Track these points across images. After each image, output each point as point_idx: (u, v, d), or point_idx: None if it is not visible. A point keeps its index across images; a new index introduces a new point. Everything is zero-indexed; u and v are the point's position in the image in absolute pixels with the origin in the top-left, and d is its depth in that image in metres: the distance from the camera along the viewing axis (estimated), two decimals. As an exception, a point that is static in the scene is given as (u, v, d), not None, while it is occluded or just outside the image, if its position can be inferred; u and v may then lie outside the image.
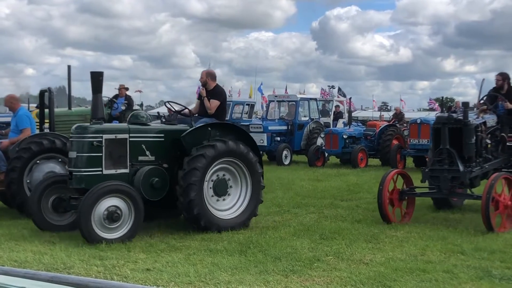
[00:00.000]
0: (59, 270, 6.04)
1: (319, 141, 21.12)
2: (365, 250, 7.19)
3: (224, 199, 8.42)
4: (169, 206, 8.35)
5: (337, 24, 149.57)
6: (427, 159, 13.12)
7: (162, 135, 8.33)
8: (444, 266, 6.40)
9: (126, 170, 7.91)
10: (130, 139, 7.99)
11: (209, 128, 8.39)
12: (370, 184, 13.61)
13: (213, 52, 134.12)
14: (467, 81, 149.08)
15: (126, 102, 15.90)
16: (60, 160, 9.35)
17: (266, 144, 20.75)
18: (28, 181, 9.16)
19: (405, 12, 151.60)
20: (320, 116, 23.36)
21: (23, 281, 1.90)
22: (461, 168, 8.75)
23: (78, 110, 13.42)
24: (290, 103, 22.71)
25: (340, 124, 24.83)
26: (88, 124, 8.04)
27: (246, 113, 23.04)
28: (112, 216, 7.34)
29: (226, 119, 10.01)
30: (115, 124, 8.51)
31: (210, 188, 8.24)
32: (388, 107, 76.50)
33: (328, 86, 34.98)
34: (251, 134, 20.85)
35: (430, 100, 54.93)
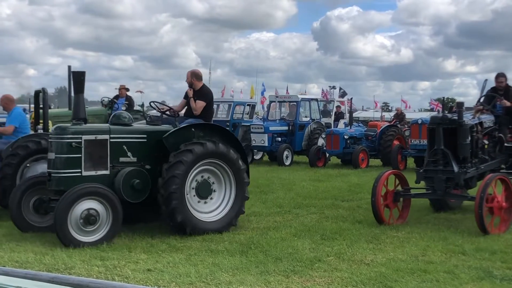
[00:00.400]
0: (60, 271, 6.04)
1: (320, 141, 21.13)
2: (366, 250, 7.18)
3: (208, 201, 8.29)
4: (154, 208, 8.13)
5: (338, 25, 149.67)
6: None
7: (145, 136, 8.19)
8: (445, 267, 6.40)
9: (107, 172, 7.77)
10: (111, 140, 7.85)
11: (193, 129, 8.27)
12: (371, 184, 13.44)
13: (214, 53, 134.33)
14: (468, 81, 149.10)
15: (126, 102, 15.90)
16: None
17: (267, 145, 20.77)
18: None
19: (406, 13, 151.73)
20: (321, 116, 23.37)
21: (24, 281, 1.90)
22: (455, 169, 8.68)
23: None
24: (291, 103, 22.72)
25: (341, 124, 24.85)
26: (68, 124, 7.91)
27: (247, 114, 23.03)
28: (89, 219, 7.19)
29: (214, 119, 9.97)
30: (95, 125, 8.33)
31: (193, 192, 8.11)
32: (389, 108, 76.49)
33: (329, 86, 35.10)
34: (252, 134, 21.16)
35: (431, 100, 54.91)
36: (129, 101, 16.24)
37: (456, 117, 8.81)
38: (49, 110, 12.42)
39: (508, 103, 9.96)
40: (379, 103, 62.65)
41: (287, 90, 45.88)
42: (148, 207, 8.16)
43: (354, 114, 32.54)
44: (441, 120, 8.88)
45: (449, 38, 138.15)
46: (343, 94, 33.00)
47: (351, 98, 26.88)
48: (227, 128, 9.23)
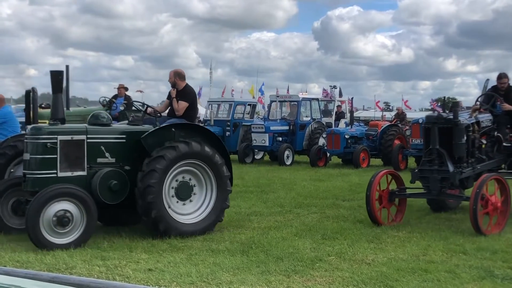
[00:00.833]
0: (61, 271, 6.04)
1: (321, 141, 21.12)
2: (367, 250, 7.18)
3: (187, 203, 8.10)
4: (135, 210, 7.92)
5: (339, 24, 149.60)
6: None
7: (124, 136, 8.04)
8: (446, 266, 6.40)
9: (84, 173, 7.62)
10: (88, 140, 7.69)
11: (173, 129, 8.09)
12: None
13: (215, 53, 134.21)
14: (469, 81, 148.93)
15: (125, 102, 15.83)
16: None
17: (268, 144, 20.76)
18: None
19: (407, 12, 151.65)
20: (322, 116, 23.35)
21: (24, 281, 1.89)
22: (451, 168, 8.60)
23: (76, 111, 13.40)
24: (292, 103, 22.71)
25: (342, 124, 24.84)
26: (45, 124, 7.80)
27: (248, 113, 23.03)
28: (62, 221, 7.04)
29: (198, 120, 9.87)
30: (72, 125, 8.14)
31: (173, 191, 7.94)
32: (390, 107, 76.46)
33: (330, 86, 35.04)
34: (253, 134, 21.17)
35: (431, 100, 54.91)
36: (128, 101, 16.16)
37: (451, 117, 8.74)
38: (45, 110, 12.42)
39: (510, 107, 9.86)
40: (380, 103, 62.62)
41: (287, 90, 45.93)
42: (129, 209, 8.00)
43: (355, 114, 32.53)
44: (436, 119, 8.81)
45: (450, 37, 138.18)
46: (339, 93, 33.10)
47: (352, 98, 26.88)
48: (209, 129, 9.00)
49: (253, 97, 43.24)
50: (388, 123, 23.01)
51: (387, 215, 9.02)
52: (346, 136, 20.06)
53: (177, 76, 8.96)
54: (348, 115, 24.21)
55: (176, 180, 7.99)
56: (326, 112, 25.79)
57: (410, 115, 32.94)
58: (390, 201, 9.10)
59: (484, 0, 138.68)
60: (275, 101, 23.48)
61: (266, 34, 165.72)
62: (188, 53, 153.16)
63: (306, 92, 42.28)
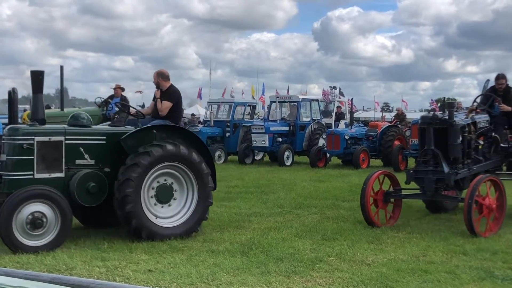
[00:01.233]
0: (61, 271, 6.04)
1: (321, 142, 21.13)
2: (367, 251, 7.18)
3: (168, 206, 7.93)
4: (115, 212, 7.77)
5: (339, 25, 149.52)
6: None
7: (104, 137, 7.87)
8: (446, 267, 6.40)
9: (61, 174, 7.48)
10: (66, 141, 7.55)
11: (154, 131, 7.94)
12: (372, 184, 13.59)
13: (215, 53, 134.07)
14: (469, 81, 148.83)
15: (121, 102, 15.71)
16: None
17: (268, 145, 20.77)
18: None
19: (407, 13, 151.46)
20: (322, 117, 23.37)
21: (24, 282, 1.89)
22: (445, 169, 8.54)
23: (70, 111, 13.37)
24: (292, 104, 22.72)
25: (341, 125, 24.85)
26: (22, 125, 7.69)
27: (248, 114, 23.04)
28: (35, 223, 6.90)
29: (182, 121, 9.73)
30: (50, 126, 7.93)
31: (152, 195, 7.79)
32: (390, 108, 76.47)
33: (330, 87, 35.06)
34: (253, 135, 21.18)
35: (431, 101, 54.92)
36: (124, 101, 16.06)
37: (446, 117, 8.68)
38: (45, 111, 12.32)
39: (507, 108, 9.79)
40: (380, 104, 62.64)
41: (287, 91, 45.95)
42: (109, 211, 7.84)
43: (355, 115, 32.54)
44: (431, 120, 8.75)
45: (449, 38, 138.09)
46: (340, 94, 33.07)
47: (352, 99, 26.89)
48: (191, 131, 8.83)
49: (253, 98, 43.30)
50: (388, 124, 23.02)
51: (382, 216, 8.96)
52: (346, 137, 20.08)
53: (160, 77, 8.83)
54: (348, 116, 24.22)
55: (155, 185, 7.81)
56: (326, 113, 25.81)
57: (410, 115, 32.94)
58: (385, 202, 9.04)
59: (484, 1, 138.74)
60: (275, 102, 23.49)
61: (266, 35, 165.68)
62: (188, 53, 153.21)
63: (306, 92, 42.33)
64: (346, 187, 13.67)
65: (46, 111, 13.41)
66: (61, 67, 11.45)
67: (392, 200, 9.13)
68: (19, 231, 6.89)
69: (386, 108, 75.91)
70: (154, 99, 8.89)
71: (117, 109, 14.35)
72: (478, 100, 10.14)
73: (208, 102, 26.17)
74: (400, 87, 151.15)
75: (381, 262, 6.63)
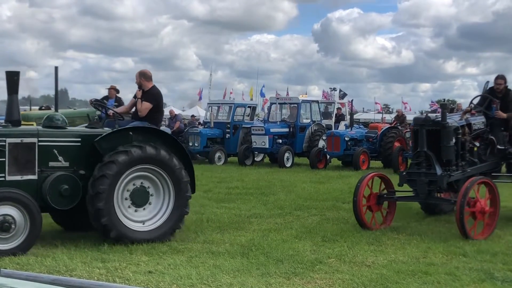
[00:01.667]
0: (61, 273, 6.04)
1: (321, 143, 21.13)
2: (367, 252, 7.18)
3: (143, 209, 7.72)
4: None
5: (339, 26, 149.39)
6: None
7: (79, 139, 7.69)
8: (446, 268, 6.40)
9: (34, 177, 7.31)
10: (40, 143, 7.37)
11: (131, 133, 7.74)
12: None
13: (215, 55, 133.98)
14: (469, 83, 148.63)
15: (116, 104, 15.63)
16: None
17: (268, 147, 20.77)
18: None
19: (407, 14, 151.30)
20: (322, 118, 23.37)
21: (25, 283, 1.90)
22: (438, 171, 8.44)
23: (64, 112, 13.33)
24: (292, 105, 22.72)
25: (342, 126, 24.85)
26: None
27: (248, 116, 23.05)
28: (3, 226, 6.76)
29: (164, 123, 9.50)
30: (23, 127, 7.78)
31: (127, 197, 7.60)
32: (390, 110, 76.45)
33: (330, 88, 35.05)
34: (253, 136, 21.18)
35: (431, 102, 54.92)
36: (119, 103, 15.90)
37: (439, 119, 8.60)
38: (33, 112, 12.35)
39: (503, 115, 9.65)
40: (380, 105, 62.59)
41: (287, 92, 46.00)
42: (85, 214, 7.65)
43: (355, 116, 32.55)
44: (424, 121, 8.66)
45: (449, 39, 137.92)
46: (343, 95, 32.99)
47: (352, 100, 26.91)
48: (168, 133, 8.62)
49: (251, 99, 43.30)
50: (388, 125, 23.02)
51: (375, 218, 8.86)
52: (346, 138, 20.08)
53: (143, 77, 8.66)
54: (348, 117, 24.23)
55: (133, 186, 7.66)
56: (326, 114, 25.80)
57: (410, 117, 32.92)
58: (378, 204, 8.94)
59: (484, 2, 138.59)
60: (275, 103, 23.49)
61: (266, 36, 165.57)
62: (188, 55, 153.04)
63: (306, 94, 42.36)
64: (346, 189, 13.66)
65: (41, 112, 13.39)
66: (56, 68, 11.32)
67: (385, 202, 9.01)
68: None
69: (386, 109, 75.88)
70: (135, 97, 8.69)
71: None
72: (475, 101, 10.06)
73: (208, 103, 26.19)
74: (400, 88, 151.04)
75: (381, 263, 6.63)
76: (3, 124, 7.55)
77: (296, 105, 22.13)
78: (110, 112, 8.64)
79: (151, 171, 7.71)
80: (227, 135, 22.28)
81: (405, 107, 50.95)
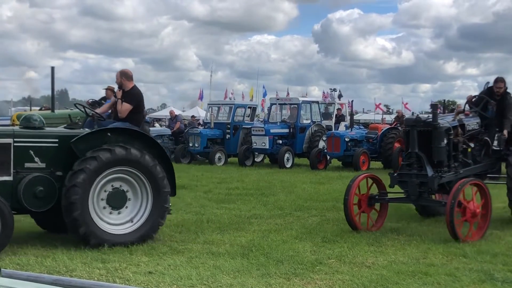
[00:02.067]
0: (61, 273, 6.04)
1: (321, 144, 21.14)
2: (367, 253, 7.19)
3: (121, 211, 7.57)
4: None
5: (339, 27, 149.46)
6: None
7: (56, 140, 7.51)
8: (446, 269, 6.40)
9: (9, 178, 7.14)
10: (15, 144, 7.23)
11: (109, 134, 7.60)
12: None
13: (215, 55, 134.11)
14: (469, 84, 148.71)
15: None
16: None
17: (268, 147, 20.79)
18: None
19: (407, 15, 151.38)
20: (322, 119, 23.38)
21: (26, 283, 1.90)
22: (429, 173, 8.32)
23: (61, 113, 13.33)
24: (292, 106, 22.74)
25: (342, 127, 24.86)
26: None
27: (248, 116, 23.06)
28: None
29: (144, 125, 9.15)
30: None
31: (103, 201, 7.43)
32: (390, 110, 76.44)
33: (330, 89, 35.00)
34: (253, 137, 21.20)
35: (432, 103, 54.80)
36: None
37: (430, 119, 8.49)
38: (44, 112, 12.32)
39: (505, 135, 9.39)
40: (380, 106, 62.54)
41: (287, 93, 45.96)
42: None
43: (355, 117, 32.55)
44: (415, 122, 8.57)
45: (450, 40, 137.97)
46: (339, 96, 33.05)
47: (352, 101, 26.92)
48: (148, 134, 8.48)
49: (251, 99, 43.30)
50: (388, 126, 23.03)
51: (366, 220, 8.76)
52: (346, 139, 20.10)
53: (123, 77, 8.52)
54: (348, 118, 24.24)
55: (110, 188, 7.50)
56: (326, 115, 25.81)
57: (410, 118, 32.89)
58: (370, 205, 8.83)
59: (485, 3, 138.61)
60: (275, 104, 23.51)
61: (266, 37, 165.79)
62: (189, 55, 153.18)
63: (307, 94, 42.35)
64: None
65: (36, 112, 13.34)
66: (52, 68, 11.29)
67: (377, 203, 8.89)
68: None
69: (386, 110, 75.87)
70: (116, 97, 8.59)
71: (109, 111, 14.32)
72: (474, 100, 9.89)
73: (208, 104, 26.22)
74: (400, 89, 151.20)
75: (381, 264, 6.63)
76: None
77: (296, 105, 22.15)
78: (91, 112, 8.54)
79: (125, 172, 7.53)
80: (227, 136, 22.29)
81: (409, 109, 50.89)
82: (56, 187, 7.28)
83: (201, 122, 28.66)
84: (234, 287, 5.64)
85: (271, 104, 23.80)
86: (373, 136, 21.30)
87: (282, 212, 10.31)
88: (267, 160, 23.14)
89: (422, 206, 9.60)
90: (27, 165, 7.32)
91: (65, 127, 8.22)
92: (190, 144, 21.97)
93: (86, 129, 7.98)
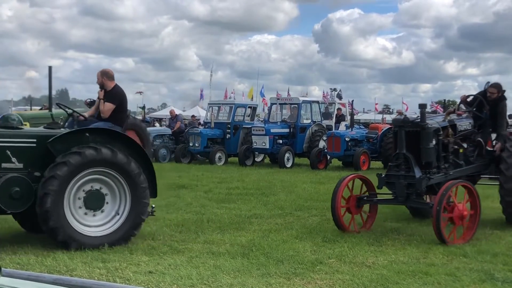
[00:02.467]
0: (61, 273, 6.04)
1: (321, 143, 21.14)
2: (368, 253, 7.18)
3: (98, 213, 7.40)
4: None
5: (340, 27, 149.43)
6: None
7: (34, 140, 7.37)
8: (446, 269, 6.40)
9: None
10: None
11: (87, 134, 7.45)
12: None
13: (216, 55, 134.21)
14: (470, 83, 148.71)
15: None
16: None
17: (268, 147, 20.78)
18: None
19: (408, 15, 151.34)
20: (322, 118, 23.38)
21: (27, 283, 1.90)
22: (417, 174, 8.17)
23: (57, 112, 13.33)
24: (292, 105, 22.73)
25: (342, 126, 24.85)
26: None
27: (248, 116, 23.06)
28: None
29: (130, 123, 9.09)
30: None
31: (80, 203, 7.28)
32: (390, 110, 76.43)
33: (330, 89, 34.99)
34: (253, 136, 21.19)
35: (432, 103, 54.81)
36: None
37: (418, 120, 8.36)
38: (27, 112, 12.28)
39: (499, 151, 9.19)
40: (379, 105, 62.54)
41: (288, 92, 45.92)
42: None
43: (355, 116, 32.52)
44: (403, 122, 8.43)
45: (450, 40, 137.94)
46: (339, 96, 33.05)
47: (352, 101, 26.89)
48: (128, 136, 8.30)
49: (251, 99, 43.27)
50: (388, 126, 23.01)
51: (356, 221, 8.69)
52: (347, 139, 20.10)
53: (105, 76, 8.44)
54: (348, 117, 24.24)
55: (88, 188, 7.34)
56: (326, 115, 25.81)
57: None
58: (358, 207, 8.75)
59: (485, 3, 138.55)
60: (276, 103, 23.50)
61: (266, 37, 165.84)
62: (189, 55, 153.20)
63: (307, 94, 42.33)
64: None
65: (33, 112, 13.33)
66: (50, 68, 11.25)
67: (363, 205, 8.79)
68: None
69: (386, 110, 75.85)
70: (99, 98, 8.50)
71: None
72: (469, 99, 9.72)
73: (208, 103, 26.19)
74: (401, 89, 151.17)
75: (381, 264, 6.63)
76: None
77: (296, 105, 22.14)
78: (70, 112, 8.48)
79: (107, 174, 7.38)
80: (228, 136, 22.29)
81: (406, 109, 50.81)
82: (33, 188, 7.12)
83: (202, 122, 28.67)
84: (234, 287, 5.64)
85: (272, 104, 23.79)
86: (374, 136, 21.30)
87: (283, 212, 10.31)
88: (267, 160, 23.13)
89: (413, 207, 9.48)
90: (3, 165, 7.19)
91: (44, 127, 8.10)
92: (191, 144, 21.97)
93: (65, 129, 7.84)
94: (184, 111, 46.40)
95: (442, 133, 8.62)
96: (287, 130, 21.44)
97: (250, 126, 21.92)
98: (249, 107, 23.58)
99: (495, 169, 9.37)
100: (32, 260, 6.57)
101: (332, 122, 25.52)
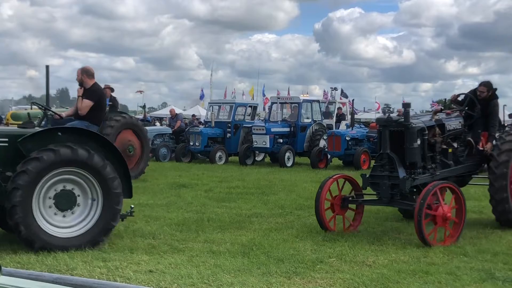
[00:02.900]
0: (62, 272, 6.04)
1: (322, 143, 21.14)
2: (368, 252, 7.19)
3: (69, 214, 7.15)
4: None
5: (340, 26, 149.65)
6: None
7: (6, 139, 7.18)
8: (447, 268, 6.40)
9: None
10: None
11: (59, 133, 7.23)
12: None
13: (216, 54, 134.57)
14: (470, 83, 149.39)
15: (110, 103, 15.50)
16: None
17: (268, 146, 20.78)
18: None
19: (408, 14, 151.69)
20: (323, 118, 23.38)
21: (27, 282, 1.90)
22: (401, 174, 8.01)
23: (35, 112, 13.33)
24: (293, 105, 22.73)
25: (342, 126, 24.87)
26: None
27: (249, 115, 23.06)
28: None
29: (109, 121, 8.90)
30: None
31: (50, 200, 7.04)
32: (391, 109, 76.40)
33: (331, 88, 34.90)
34: (254, 136, 21.21)
35: (432, 102, 54.79)
36: (113, 102, 15.72)
37: (402, 119, 8.19)
38: (25, 111, 12.27)
39: (489, 150, 9.05)
40: (380, 105, 62.53)
41: (288, 92, 45.92)
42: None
43: (356, 116, 32.52)
44: (386, 122, 8.27)
45: (451, 39, 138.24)
46: (344, 95, 32.92)
47: (353, 100, 26.91)
48: (101, 134, 8.13)
49: (252, 98, 43.31)
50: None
51: (342, 221, 8.62)
52: (347, 138, 20.10)
53: (85, 73, 8.40)
54: (348, 117, 24.25)
55: (60, 189, 7.12)
56: (327, 114, 25.82)
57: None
58: (343, 207, 8.64)
59: (486, 2, 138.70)
60: (276, 102, 23.51)
61: (267, 36, 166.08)
62: (189, 54, 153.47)
63: (307, 93, 42.30)
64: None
65: (32, 111, 13.33)
66: (47, 67, 11.26)
67: (348, 205, 8.69)
68: None
69: (387, 109, 75.81)
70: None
71: (107, 109, 14.28)
72: (460, 99, 9.63)
73: (209, 103, 26.22)
74: (401, 88, 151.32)
75: (382, 263, 6.64)
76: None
77: (297, 104, 22.14)
78: (46, 111, 8.42)
79: (81, 175, 7.14)
80: (228, 135, 22.28)
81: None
82: (4, 188, 6.90)
83: (202, 121, 28.67)
84: (234, 286, 5.64)
85: (272, 103, 23.79)
86: (374, 135, 21.27)
87: (283, 211, 10.31)
88: (267, 159, 23.13)
89: (403, 208, 9.29)
90: None
91: (18, 126, 7.97)
92: (191, 143, 21.97)
93: (38, 128, 7.68)
94: (184, 110, 46.43)
95: (429, 133, 8.47)
96: (287, 129, 21.44)
97: (250, 125, 21.92)
98: (249, 106, 23.58)
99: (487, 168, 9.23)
100: (33, 259, 6.57)
101: (332, 121, 25.55)
